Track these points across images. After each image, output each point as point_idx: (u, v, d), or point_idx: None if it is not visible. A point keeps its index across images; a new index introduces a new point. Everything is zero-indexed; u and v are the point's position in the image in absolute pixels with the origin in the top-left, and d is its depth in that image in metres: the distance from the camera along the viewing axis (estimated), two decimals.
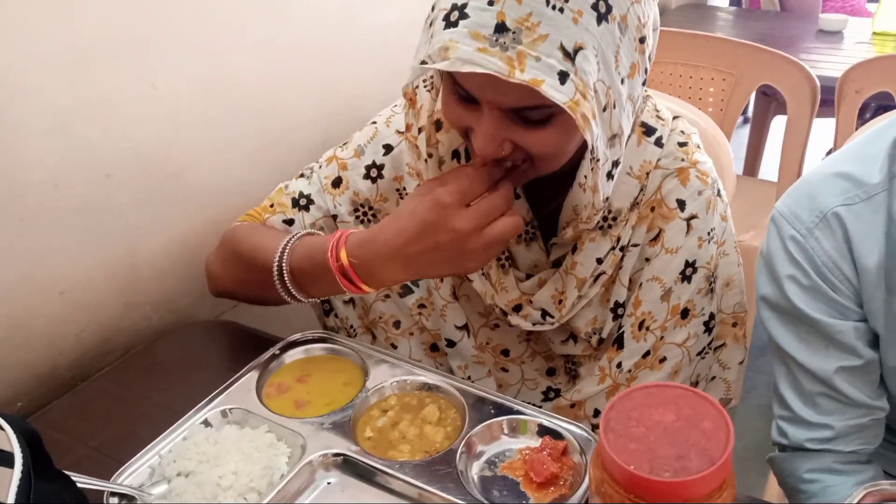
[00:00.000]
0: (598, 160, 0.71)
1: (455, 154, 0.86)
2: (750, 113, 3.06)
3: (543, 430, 0.78)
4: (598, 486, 0.63)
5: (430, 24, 0.70)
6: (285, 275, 0.83)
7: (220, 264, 0.94)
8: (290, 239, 0.85)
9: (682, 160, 0.85)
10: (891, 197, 0.75)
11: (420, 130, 0.84)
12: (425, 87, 0.83)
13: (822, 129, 2.07)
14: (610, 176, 0.76)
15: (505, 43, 0.65)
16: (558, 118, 0.71)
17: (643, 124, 0.85)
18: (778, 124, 2.29)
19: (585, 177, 0.76)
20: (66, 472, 0.64)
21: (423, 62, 0.69)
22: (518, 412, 0.79)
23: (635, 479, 0.59)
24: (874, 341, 0.80)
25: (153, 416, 0.81)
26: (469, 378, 0.94)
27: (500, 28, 0.65)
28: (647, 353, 0.88)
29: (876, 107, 2.05)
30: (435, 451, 0.76)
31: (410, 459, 0.75)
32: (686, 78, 1.79)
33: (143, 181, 1.00)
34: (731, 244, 0.90)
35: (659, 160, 0.85)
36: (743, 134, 3.17)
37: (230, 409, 0.81)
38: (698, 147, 0.87)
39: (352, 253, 0.79)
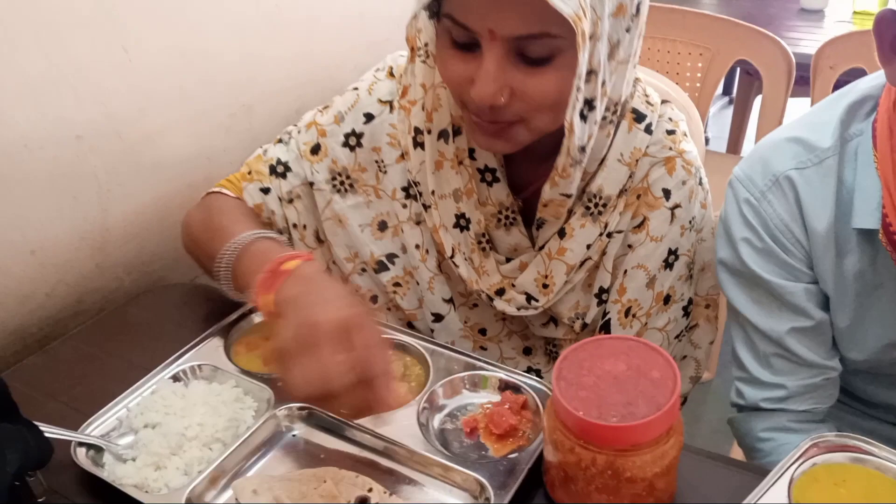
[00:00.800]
0: (578, 90, 0.71)
1: (442, 134, 0.86)
2: (735, 93, 3.07)
3: (504, 386, 0.80)
4: (551, 433, 0.65)
5: None
6: (224, 280, 0.82)
7: (190, 232, 0.93)
8: (236, 245, 0.81)
9: (670, 149, 0.85)
10: (841, 162, 0.77)
11: (412, 104, 0.85)
12: (419, 56, 0.83)
13: (802, 108, 2.09)
14: (582, 117, 0.75)
15: None
16: (559, 58, 0.71)
17: (634, 110, 0.84)
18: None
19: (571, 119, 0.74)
20: (33, 422, 0.65)
21: None
22: (480, 368, 0.81)
23: (584, 424, 0.61)
24: (825, 303, 0.82)
25: (124, 374, 0.81)
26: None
27: None
28: None
29: (844, 83, 2.07)
30: (398, 405, 0.78)
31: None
32: (664, 52, 1.80)
33: (116, 144, 1.00)
34: (709, 231, 0.92)
35: (648, 147, 0.85)
36: (728, 113, 3.19)
37: (199, 366, 0.82)
38: (685, 135, 0.87)
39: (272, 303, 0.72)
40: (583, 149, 0.78)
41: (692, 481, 0.70)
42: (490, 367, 0.81)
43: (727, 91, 3.64)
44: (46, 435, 0.67)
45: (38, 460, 0.63)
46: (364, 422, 0.75)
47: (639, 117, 0.84)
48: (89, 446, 0.73)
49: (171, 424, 0.74)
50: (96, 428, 0.75)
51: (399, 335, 0.86)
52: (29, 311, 0.96)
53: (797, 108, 1.85)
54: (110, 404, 0.77)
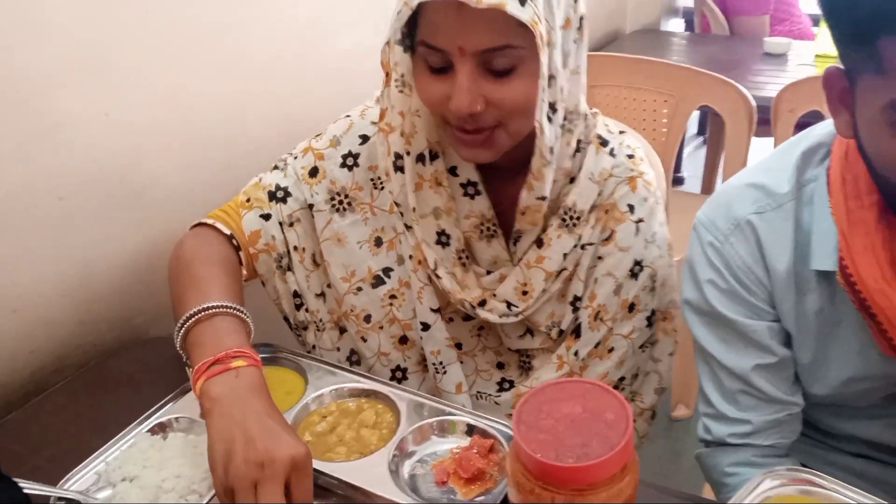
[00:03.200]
0: (543, 91, 0.79)
1: (420, 157, 0.92)
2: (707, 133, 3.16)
3: (472, 430, 0.82)
4: (513, 475, 0.68)
5: None
6: (178, 340, 0.85)
7: (176, 262, 0.95)
8: (192, 316, 0.83)
9: (632, 170, 0.94)
10: (798, 206, 0.81)
11: (390, 127, 0.90)
12: (396, 86, 0.89)
13: (767, 148, 2.16)
14: (550, 116, 0.83)
15: None
16: (521, 68, 0.80)
17: (599, 136, 0.95)
18: None
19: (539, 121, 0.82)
20: (12, 478, 0.67)
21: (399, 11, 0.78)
22: (448, 413, 0.84)
23: (542, 466, 0.64)
24: (787, 340, 0.86)
25: (105, 428, 0.83)
26: (441, 363, 0.98)
27: None
28: (599, 343, 0.95)
29: (804, 124, 2.15)
30: (370, 453, 0.80)
31: (346, 460, 0.79)
32: (631, 100, 1.88)
33: (99, 201, 1.03)
34: (666, 248, 0.98)
35: (613, 168, 0.94)
36: (702, 153, 3.27)
37: (176, 418, 0.85)
38: (642, 160, 0.96)
39: (204, 392, 0.76)
40: (551, 150, 0.86)
41: None
42: (458, 413, 0.84)
43: (702, 131, 3.73)
44: (25, 491, 0.69)
45: None
46: (336, 470, 0.77)
47: (603, 142, 0.94)
48: (68, 501, 0.75)
49: (149, 477, 0.76)
50: (76, 482, 0.77)
51: (371, 383, 0.89)
52: (12, 369, 0.98)
53: (763, 147, 1.92)
54: (89, 459, 0.79)
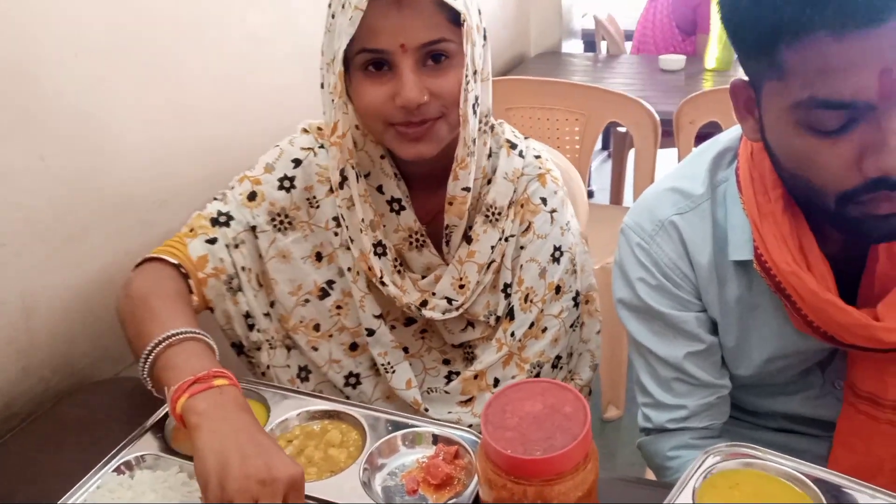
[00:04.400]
0: (468, 82, 0.89)
1: (349, 175, 0.97)
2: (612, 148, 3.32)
3: (437, 439, 0.86)
4: (484, 474, 0.73)
5: (332, 17, 0.90)
6: (146, 378, 0.86)
7: (128, 300, 0.95)
8: (159, 344, 0.84)
9: (540, 168, 1.05)
10: (713, 205, 0.91)
11: (342, 138, 0.95)
12: (335, 105, 0.93)
13: (671, 158, 2.31)
14: (473, 112, 0.92)
15: None
16: (454, 60, 0.90)
17: (508, 141, 1.04)
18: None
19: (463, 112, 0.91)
20: None
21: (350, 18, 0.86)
22: (413, 426, 0.88)
23: (512, 461, 0.69)
24: (713, 328, 0.95)
25: (65, 474, 0.82)
26: (389, 363, 1.04)
27: None
28: (532, 324, 1.03)
29: (705, 135, 2.31)
30: (340, 470, 0.83)
31: (318, 479, 0.82)
32: (543, 121, 1.98)
33: (37, 248, 1.03)
34: (579, 237, 1.09)
35: (524, 168, 1.04)
36: (608, 167, 3.44)
37: (141, 456, 0.85)
38: (548, 160, 1.07)
39: (189, 407, 0.77)
40: (474, 141, 0.94)
41: (610, 497, 0.78)
42: (422, 424, 0.88)
43: (606, 146, 3.92)
44: None
45: None
46: (310, 490, 0.80)
47: (513, 146, 1.04)
48: None
49: None
50: None
51: (333, 404, 0.92)
52: None
53: (667, 158, 2.05)
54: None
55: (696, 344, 0.93)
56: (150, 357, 0.84)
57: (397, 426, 0.88)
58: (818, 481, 0.74)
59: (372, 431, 0.87)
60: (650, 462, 1.04)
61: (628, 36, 3.45)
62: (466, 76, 0.89)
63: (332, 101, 0.93)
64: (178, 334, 0.85)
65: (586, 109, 1.91)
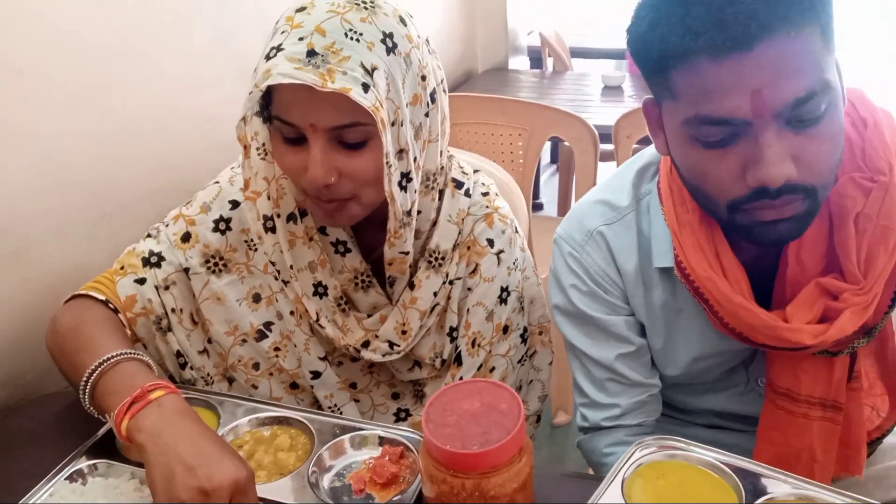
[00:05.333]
0: (390, 166, 0.86)
1: (291, 217, 0.98)
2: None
3: (382, 440, 0.90)
4: (426, 469, 0.77)
5: (255, 71, 0.85)
6: (87, 403, 0.87)
7: (56, 336, 0.96)
8: (98, 368, 0.85)
9: (487, 207, 1.04)
10: (638, 215, 0.97)
11: (255, 197, 0.96)
12: (259, 155, 0.95)
13: (613, 171, 2.39)
14: (402, 187, 0.91)
15: (316, 63, 0.82)
16: (372, 142, 0.87)
17: (454, 180, 1.03)
18: None
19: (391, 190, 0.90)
20: None
21: (251, 92, 0.83)
22: (359, 429, 0.91)
23: (451, 455, 0.73)
24: (642, 331, 1.01)
25: (16, 486, 0.83)
26: (336, 405, 1.04)
27: (311, 53, 0.82)
28: (481, 366, 1.04)
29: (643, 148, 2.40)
30: (289, 472, 0.86)
31: (267, 482, 0.85)
32: (489, 136, 2.05)
33: None
34: (531, 269, 1.09)
35: (469, 208, 1.03)
36: (556, 180, 3.52)
37: (93, 464, 0.86)
38: (496, 195, 1.07)
39: (133, 427, 0.79)
40: (409, 213, 0.94)
41: (547, 494, 0.83)
42: (368, 427, 0.92)
43: (555, 159, 4.01)
44: None
45: None
46: (259, 491, 0.82)
47: (458, 185, 1.03)
48: None
49: None
50: None
51: (283, 410, 0.95)
52: None
53: (610, 170, 2.12)
54: None
55: (627, 346, 0.99)
56: (88, 388, 0.85)
57: (345, 430, 0.91)
58: (738, 470, 0.80)
59: (320, 436, 0.90)
60: (588, 459, 1.09)
61: (575, 53, 3.56)
62: (387, 158, 0.85)
63: (257, 151, 0.93)
64: (110, 359, 0.86)
65: (529, 125, 1.98)
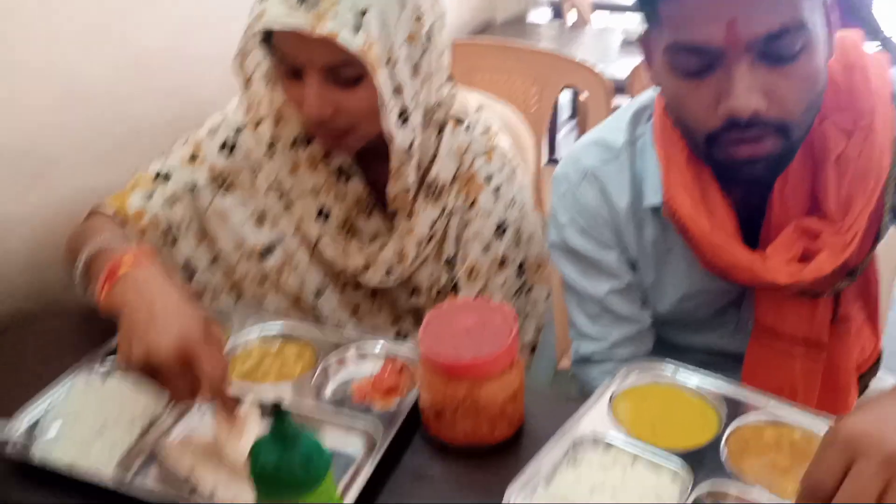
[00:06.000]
0: (386, 104, 0.89)
1: (295, 142, 1.02)
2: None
3: (385, 354, 0.94)
4: (423, 379, 0.82)
5: (251, 10, 0.89)
6: (81, 288, 0.94)
7: (67, 244, 1.03)
8: (88, 252, 0.92)
9: (487, 143, 1.07)
10: (632, 156, 0.99)
11: (258, 123, 1.00)
12: (263, 81, 0.99)
13: None
14: (401, 122, 0.94)
15: (308, 5, 0.85)
16: (366, 79, 0.89)
17: (455, 116, 1.05)
18: None
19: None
20: None
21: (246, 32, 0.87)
22: (363, 344, 0.96)
23: (447, 365, 0.78)
24: (633, 267, 1.04)
25: (35, 383, 0.88)
26: (339, 321, 1.10)
27: None
28: (477, 296, 1.08)
29: None
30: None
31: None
32: (503, 83, 2.06)
33: (7, 181, 1.09)
34: (529, 206, 1.13)
35: (470, 143, 1.06)
36: (574, 136, 3.53)
37: (111, 367, 0.92)
38: (497, 133, 1.10)
39: (108, 305, 0.84)
40: (409, 150, 0.97)
41: (537, 411, 0.87)
42: (372, 340, 0.96)
43: (574, 115, 3.99)
44: None
45: None
46: (263, 390, 0.87)
47: (459, 121, 1.05)
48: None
49: (93, 411, 0.84)
50: (20, 425, 0.83)
51: (291, 326, 0.99)
52: None
53: None
54: (30, 402, 0.85)
55: (618, 281, 1.03)
56: (80, 278, 0.92)
57: (348, 344, 0.96)
58: (721, 396, 0.84)
59: (325, 349, 0.95)
60: (581, 390, 1.14)
61: (598, 6, 3.52)
62: (382, 97, 0.89)
63: (261, 77, 0.97)
64: (99, 243, 0.91)
65: (542, 74, 1.99)
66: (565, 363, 2.23)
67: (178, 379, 0.76)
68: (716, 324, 1.08)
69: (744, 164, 0.83)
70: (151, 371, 0.76)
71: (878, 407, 0.63)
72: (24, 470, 0.80)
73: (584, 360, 1.09)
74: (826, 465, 0.60)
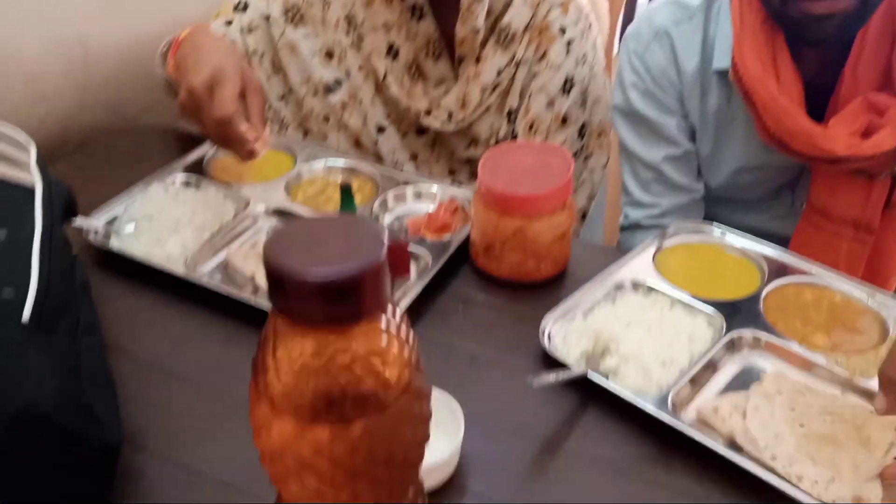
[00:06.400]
0: None
1: None
2: None
3: (442, 196, 0.98)
4: (476, 211, 0.85)
5: None
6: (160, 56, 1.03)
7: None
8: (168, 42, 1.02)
9: None
10: (707, 18, 0.98)
11: None
12: None
13: None
14: None
15: None
16: None
17: None
18: None
19: None
20: None
21: None
22: (423, 183, 0.99)
23: (500, 195, 0.81)
24: (692, 136, 1.04)
25: (112, 189, 0.94)
26: (398, 161, 1.13)
27: None
28: None
29: None
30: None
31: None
32: None
33: (93, 9, 1.13)
34: (600, 68, 1.12)
35: None
36: None
37: (187, 179, 0.97)
38: None
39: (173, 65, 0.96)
40: None
41: (583, 258, 0.90)
42: (430, 183, 0.99)
43: None
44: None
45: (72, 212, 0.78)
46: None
47: None
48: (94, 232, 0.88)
49: (167, 213, 0.90)
50: (100, 217, 0.90)
51: (355, 161, 1.02)
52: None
53: None
54: (110, 201, 0.92)
55: (675, 148, 1.03)
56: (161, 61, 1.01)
57: (407, 183, 0.99)
58: (767, 257, 0.85)
59: (385, 184, 0.99)
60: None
61: None
62: None
63: None
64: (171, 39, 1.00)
65: None
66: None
67: (210, 111, 0.86)
68: (768, 205, 1.08)
69: (818, 20, 0.81)
70: (195, 107, 0.86)
71: None
72: (102, 260, 0.87)
73: (633, 226, 1.11)
74: None
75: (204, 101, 0.85)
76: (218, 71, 0.86)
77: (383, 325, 0.35)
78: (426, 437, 0.39)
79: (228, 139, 0.88)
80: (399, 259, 0.34)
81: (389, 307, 0.36)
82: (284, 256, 0.33)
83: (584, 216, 1.23)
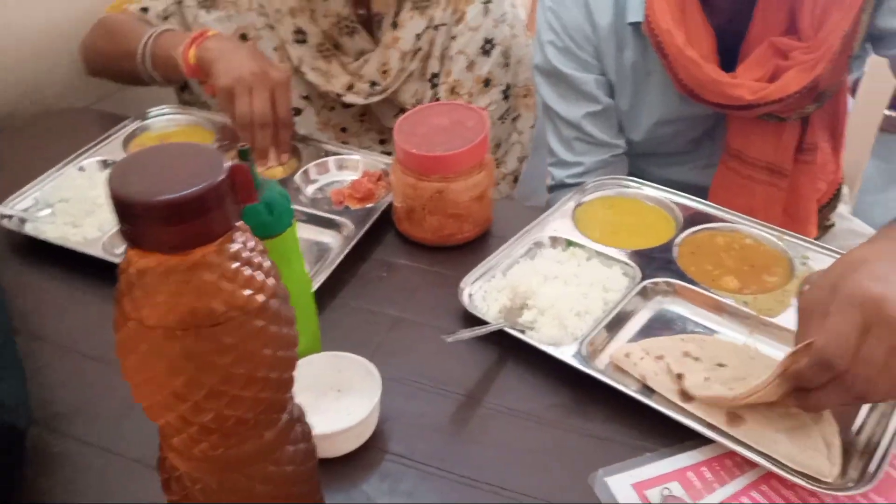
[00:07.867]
0: None
1: None
2: None
3: (365, 165, 0.98)
4: (395, 177, 0.85)
5: None
6: (147, 63, 0.99)
7: (94, 48, 1.07)
8: (152, 34, 0.99)
9: None
10: None
11: None
12: None
13: None
14: None
15: None
16: None
17: None
18: None
19: None
20: None
21: None
22: (345, 153, 0.99)
23: (417, 158, 0.81)
24: (610, 91, 1.05)
25: (29, 173, 0.92)
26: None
27: None
28: None
29: None
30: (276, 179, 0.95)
31: None
32: None
33: None
34: (521, 28, 1.12)
35: None
36: None
37: (102, 160, 0.96)
38: None
39: (200, 52, 0.94)
40: None
41: (505, 216, 0.91)
42: (352, 152, 0.99)
43: None
44: None
45: None
46: None
47: None
48: (10, 216, 0.86)
49: (83, 196, 0.88)
50: (16, 203, 0.88)
51: None
52: None
53: None
54: (26, 187, 0.90)
55: (594, 105, 1.04)
56: (146, 51, 0.98)
57: (329, 154, 0.99)
58: (683, 206, 0.87)
59: (308, 155, 0.98)
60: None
61: None
62: None
63: None
64: (162, 31, 0.99)
65: None
66: None
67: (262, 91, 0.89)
68: (690, 156, 1.10)
69: None
70: (231, 95, 0.89)
71: (875, 266, 0.56)
72: (18, 246, 0.85)
73: (559, 186, 1.12)
74: (839, 333, 0.54)
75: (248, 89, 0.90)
76: (264, 67, 0.90)
77: (234, 249, 0.36)
78: (291, 362, 0.40)
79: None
80: (243, 183, 0.34)
81: (242, 233, 0.37)
82: (128, 184, 0.34)
83: (515, 179, 1.23)
